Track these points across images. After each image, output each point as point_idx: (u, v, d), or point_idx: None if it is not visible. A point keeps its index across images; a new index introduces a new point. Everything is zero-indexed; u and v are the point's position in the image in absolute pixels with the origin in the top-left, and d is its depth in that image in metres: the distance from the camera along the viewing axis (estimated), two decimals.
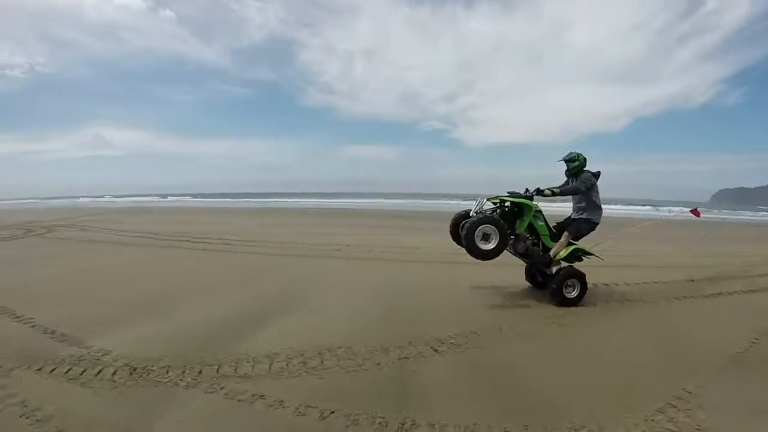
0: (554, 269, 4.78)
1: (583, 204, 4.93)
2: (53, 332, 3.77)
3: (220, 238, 10.41)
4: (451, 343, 3.56)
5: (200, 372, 2.95)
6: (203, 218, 18.63)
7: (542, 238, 4.81)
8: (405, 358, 3.25)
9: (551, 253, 4.77)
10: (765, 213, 35.68)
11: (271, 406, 2.52)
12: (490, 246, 4.39)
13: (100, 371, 2.97)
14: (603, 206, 5.00)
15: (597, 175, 4.93)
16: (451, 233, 5.01)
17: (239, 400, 2.58)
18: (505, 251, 4.62)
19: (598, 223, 4.94)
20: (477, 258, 4.45)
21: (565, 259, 4.83)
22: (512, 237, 4.73)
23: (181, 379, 2.84)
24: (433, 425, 2.35)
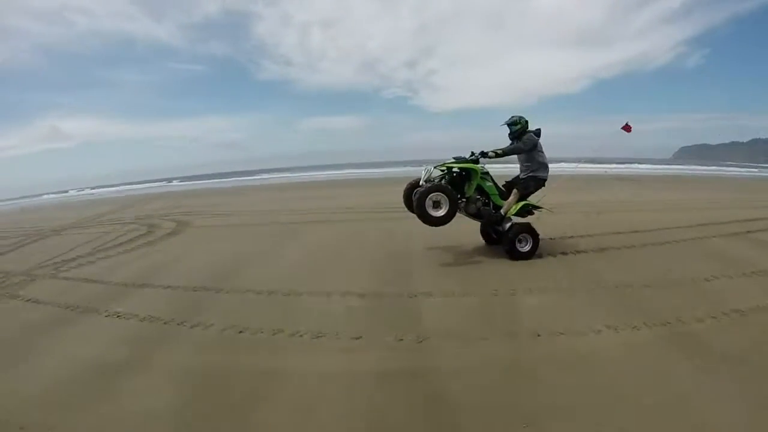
0: (506, 226, 5.06)
1: (529, 163, 5.18)
2: None
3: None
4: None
5: None
6: (303, 194, 16.52)
7: (492, 197, 5.07)
8: None
9: (502, 210, 5.03)
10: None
11: None
12: (441, 212, 4.63)
13: None
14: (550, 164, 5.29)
15: (538, 133, 5.18)
16: (404, 202, 5.23)
17: None
18: (459, 214, 4.88)
19: (545, 179, 5.22)
20: (431, 225, 4.69)
21: (516, 214, 5.11)
22: (463, 200, 4.97)
23: None
24: None
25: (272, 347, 3.07)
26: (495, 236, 5.53)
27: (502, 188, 5.19)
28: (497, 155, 4.90)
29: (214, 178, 40.82)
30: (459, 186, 4.96)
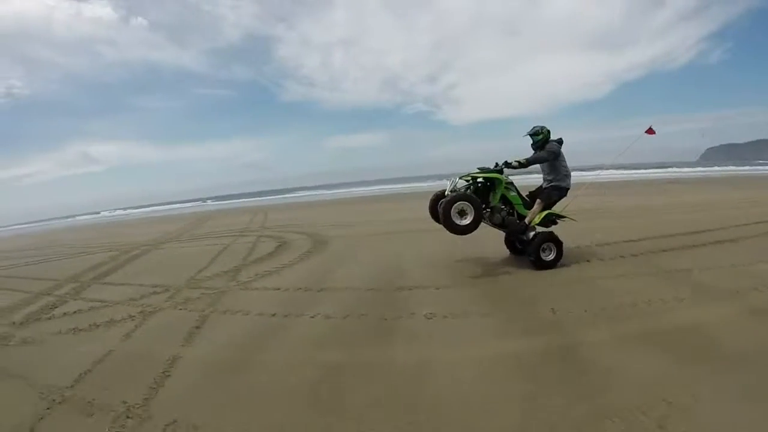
0: (531, 235, 5.14)
1: (551, 173, 5.26)
2: None
3: None
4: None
5: None
6: (372, 207, 17.06)
7: (516, 207, 5.17)
8: None
9: (526, 220, 5.12)
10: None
11: None
12: (467, 221, 4.75)
13: None
14: (574, 173, 5.36)
15: (560, 142, 5.26)
16: (430, 213, 5.38)
17: None
18: (483, 224, 5.00)
19: (568, 188, 5.28)
20: (456, 233, 4.81)
21: (540, 224, 5.18)
22: (488, 210, 5.08)
23: None
24: None
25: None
26: (519, 246, 5.60)
27: (526, 198, 5.28)
28: (521, 165, 5.00)
29: (247, 197, 41.49)
30: (484, 196, 5.08)
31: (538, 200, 5.17)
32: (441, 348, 3.17)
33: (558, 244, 5.08)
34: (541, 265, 4.99)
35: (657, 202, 12.05)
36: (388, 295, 4.54)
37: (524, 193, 5.32)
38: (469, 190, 5.09)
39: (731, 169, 32.19)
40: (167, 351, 3.44)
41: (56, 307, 5.17)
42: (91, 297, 5.51)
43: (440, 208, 4.85)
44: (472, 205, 4.75)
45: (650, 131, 5.71)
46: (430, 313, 3.81)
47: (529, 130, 5.32)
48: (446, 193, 5.05)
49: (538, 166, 5.27)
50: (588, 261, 5.28)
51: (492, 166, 5.13)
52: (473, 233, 4.89)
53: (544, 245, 5.03)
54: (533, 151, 5.33)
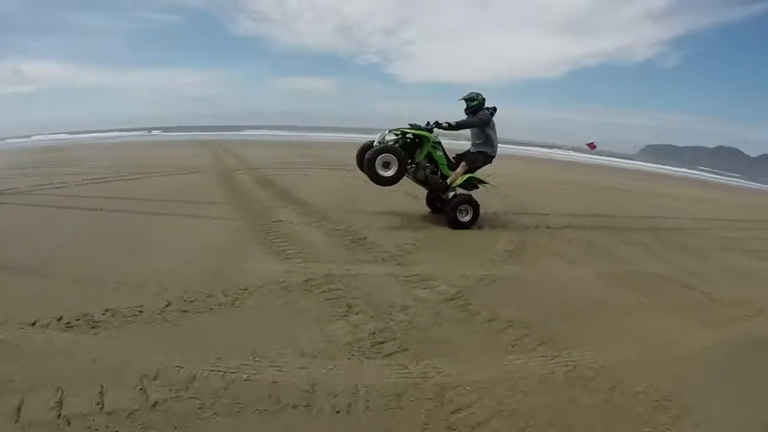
0: (450, 195, 5.38)
1: (480, 139, 5.45)
2: None
3: None
4: None
5: None
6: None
7: (440, 167, 5.35)
8: None
9: (448, 180, 5.33)
10: None
11: None
12: (390, 173, 4.88)
13: None
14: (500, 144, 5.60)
15: (493, 111, 5.43)
16: (357, 162, 5.43)
17: None
18: (406, 178, 5.15)
19: (494, 156, 5.52)
20: (378, 184, 4.94)
21: (461, 186, 5.42)
22: (412, 165, 5.22)
23: None
24: None
25: None
26: (438, 205, 5.84)
27: (452, 160, 5.47)
28: (450, 127, 5.13)
29: (195, 131, 37.93)
30: (410, 151, 5.19)
31: (462, 163, 5.37)
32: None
33: (475, 206, 5.36)
34: (457, 225, 5.28)
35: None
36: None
37: (451, 155, 5.50)
38: (397, 144, 5.18)
39: (666, 168, 34.53)
40: None
41: (365, 238, 4.62)
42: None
43: (366, 157, 4.92)
44: (397, 158, 4.86)
45: (592, 146, 6.19)
46: None
47: (464, 95, 5.42)
48: (374, 144, 5.11)
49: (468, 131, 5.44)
50: None
51: (423, 125, 5.22)
52: None
53: (461, 207, 5.29)
54: (466, 116, 5.46)
